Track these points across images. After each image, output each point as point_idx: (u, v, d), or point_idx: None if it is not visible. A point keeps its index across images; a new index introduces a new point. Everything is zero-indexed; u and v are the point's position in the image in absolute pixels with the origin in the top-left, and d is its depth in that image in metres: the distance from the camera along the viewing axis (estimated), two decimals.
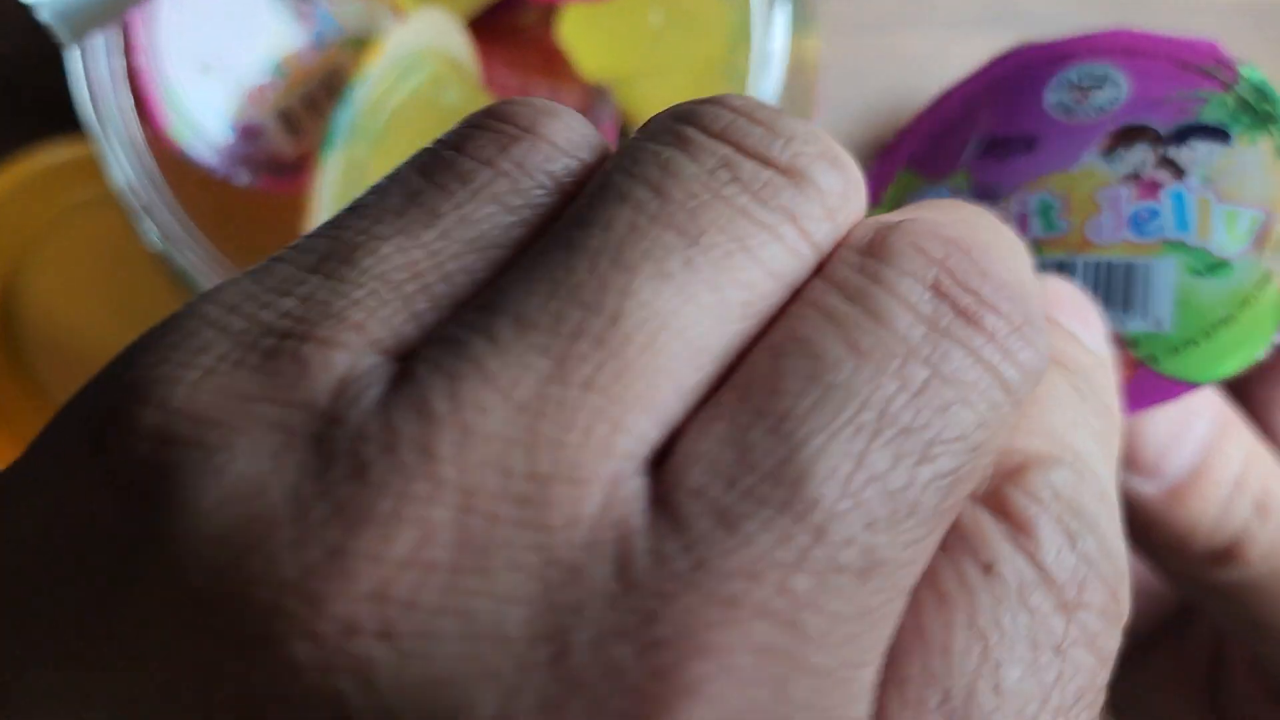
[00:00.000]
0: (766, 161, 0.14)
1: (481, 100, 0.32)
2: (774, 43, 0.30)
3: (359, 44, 0.33)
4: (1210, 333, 0.18)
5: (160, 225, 0.30)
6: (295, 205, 0.31)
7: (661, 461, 0.13)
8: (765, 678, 0.12)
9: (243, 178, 0.32)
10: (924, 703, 0.13)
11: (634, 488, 0.12)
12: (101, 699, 0.12)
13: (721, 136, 0.14)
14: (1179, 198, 0.19)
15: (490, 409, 0.12)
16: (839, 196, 0.14)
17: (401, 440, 0.12)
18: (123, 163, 0.30)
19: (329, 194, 0.30)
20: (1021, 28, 0.40)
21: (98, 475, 0.13)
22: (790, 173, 0.14)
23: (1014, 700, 0.13)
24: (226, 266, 0.30)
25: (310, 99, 0.33)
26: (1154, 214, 0.19)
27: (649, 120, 0.15)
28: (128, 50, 0.30)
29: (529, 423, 0.12)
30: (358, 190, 0.31)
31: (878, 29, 0.40)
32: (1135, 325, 0.19)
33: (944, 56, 0.40)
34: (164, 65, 0.31)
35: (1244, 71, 0.19)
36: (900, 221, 0.14)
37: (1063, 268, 0.20)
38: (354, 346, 0.13)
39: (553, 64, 0.34)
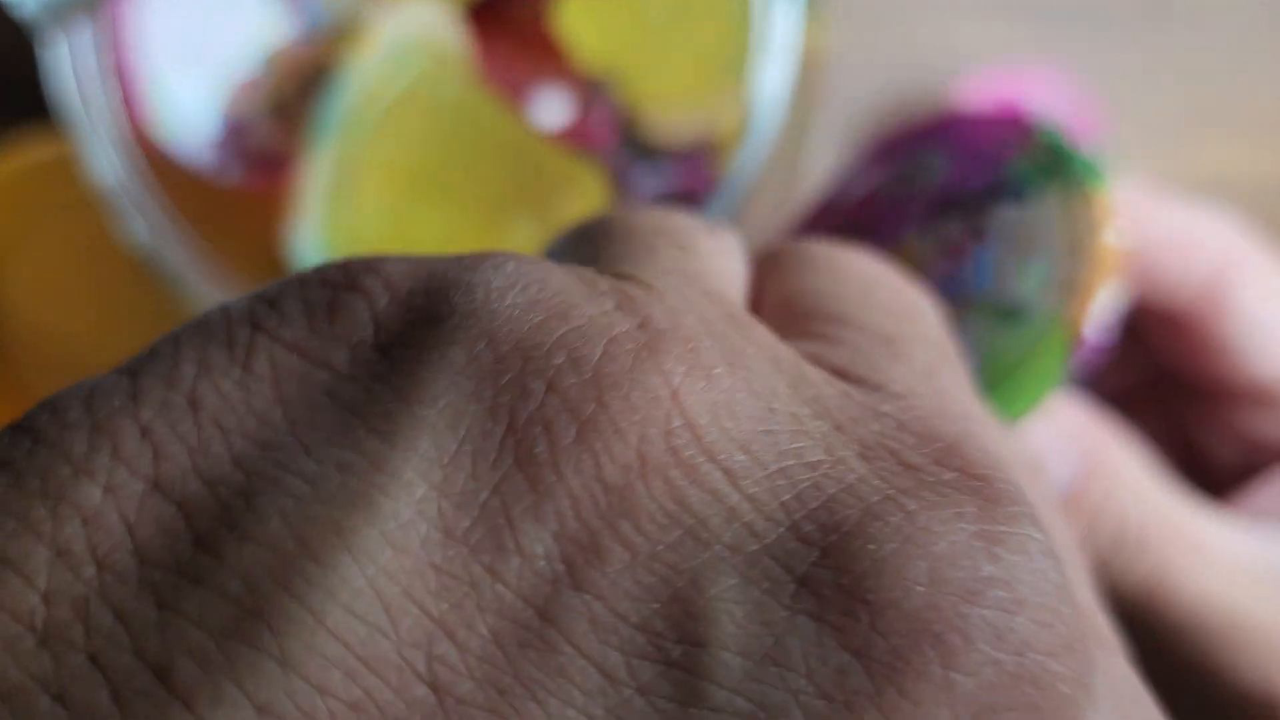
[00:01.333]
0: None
1: (479, 94, 0.31)
2: (777, 32, 0.29)
3: (351, 37, 0.32)
4: (1005, 378, 0.20)
5: (147, 223, 0.29)
6: (285, 203, 0.31)
7: None
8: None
9: (231, 174, 0.31)
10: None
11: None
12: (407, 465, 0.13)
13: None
14: (979, 259, 0.21)
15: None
16: None
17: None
18: (110, 160, 0.29)
19: (320, 191, 0.29)
20: (1035, 17, 0.39)
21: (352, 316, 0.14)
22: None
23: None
24: (215, 265, 0.30)
25: (301, 93, 0.32)
26: (956, 276, 0.21)
27: None
28: (112, 44, 0.30)
29: None
30: (349, 187, 0.31)
31: (890, 19, 0.39)
32: None
33: (956, 47, 0.39)
34: (150, 59, 0.30)
35: (1038, 136, 0.21)
36: None
37: None
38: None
39: (551, 56, 0.34)
